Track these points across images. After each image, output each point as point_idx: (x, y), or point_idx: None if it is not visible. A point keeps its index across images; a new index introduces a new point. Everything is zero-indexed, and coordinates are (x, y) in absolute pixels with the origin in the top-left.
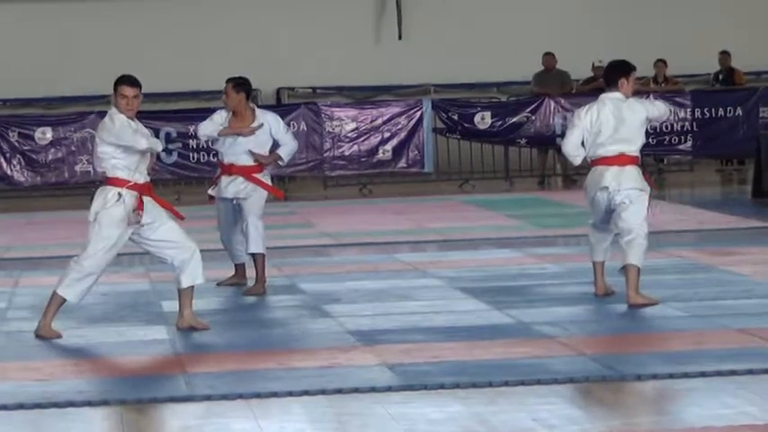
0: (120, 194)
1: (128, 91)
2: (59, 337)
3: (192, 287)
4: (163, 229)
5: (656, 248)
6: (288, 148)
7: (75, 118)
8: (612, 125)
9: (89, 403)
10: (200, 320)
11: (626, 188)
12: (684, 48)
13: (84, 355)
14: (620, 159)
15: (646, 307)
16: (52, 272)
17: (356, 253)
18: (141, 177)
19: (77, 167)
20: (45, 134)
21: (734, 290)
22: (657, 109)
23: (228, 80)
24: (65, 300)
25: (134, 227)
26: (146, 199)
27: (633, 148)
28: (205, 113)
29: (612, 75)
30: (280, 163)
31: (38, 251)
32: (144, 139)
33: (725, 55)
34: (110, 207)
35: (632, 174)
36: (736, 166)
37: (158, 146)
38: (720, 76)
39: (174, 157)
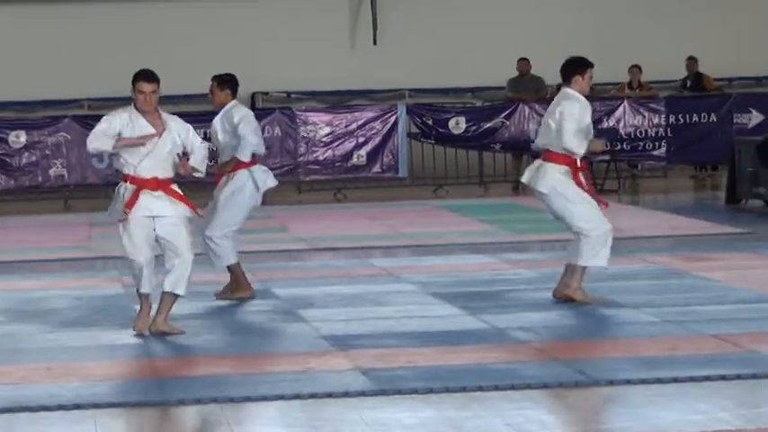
0: (119, 189)
1: (145, 87)
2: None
3: (174, 296)
4: (169, 229)
5: (629, 254)
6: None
7: (50, 122)
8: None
9: (62, 407)
10: (173, 326)
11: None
12: (658, 53)
13: (56, 358)
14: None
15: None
16: (26, 276)
17: (330, 258)
18: (147, 173)
19: (51, 171)
20: (19, 138)
21: (707, 296)
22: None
23: (213, 77)
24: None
25: (122, 219)
26: (148, 194)
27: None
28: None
29: (567, 71)
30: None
31: (11, 255)
32: (92, 142)
33: (692, 61)
34: (117, 203)
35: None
36: (709, 172)
37: (102, 147)
38: (689, 83)
39: None
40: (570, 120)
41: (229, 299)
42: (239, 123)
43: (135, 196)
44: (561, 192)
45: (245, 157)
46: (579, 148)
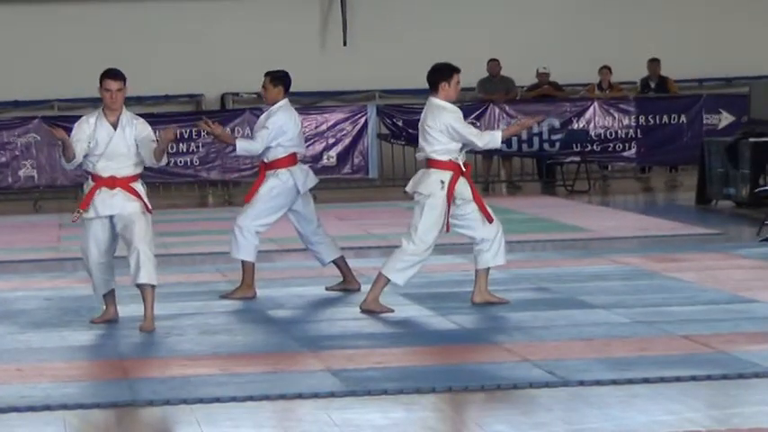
0: (84, 187)
1: (111, 85)
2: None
3: (147, 286)
4: (125, 223)
5: (600, 254)
6: None
7: (20, 123)
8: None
9: (32, 408)
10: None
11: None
12: (627, 54)
13: (26, 359)
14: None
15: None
16: None
17: (300, 258)
18: (104, 172)
19: (21, 172)
20: None
21: (678, 296)
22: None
23: (266, 73)
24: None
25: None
26: (105, 192)
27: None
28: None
29: (433, 78)
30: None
31: None
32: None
33: (654, 62)
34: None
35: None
36: (677, 174)
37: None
38: (652, 84)
39: None
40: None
41: (233, 298)
42: (266, 121)
43: (90, 194)
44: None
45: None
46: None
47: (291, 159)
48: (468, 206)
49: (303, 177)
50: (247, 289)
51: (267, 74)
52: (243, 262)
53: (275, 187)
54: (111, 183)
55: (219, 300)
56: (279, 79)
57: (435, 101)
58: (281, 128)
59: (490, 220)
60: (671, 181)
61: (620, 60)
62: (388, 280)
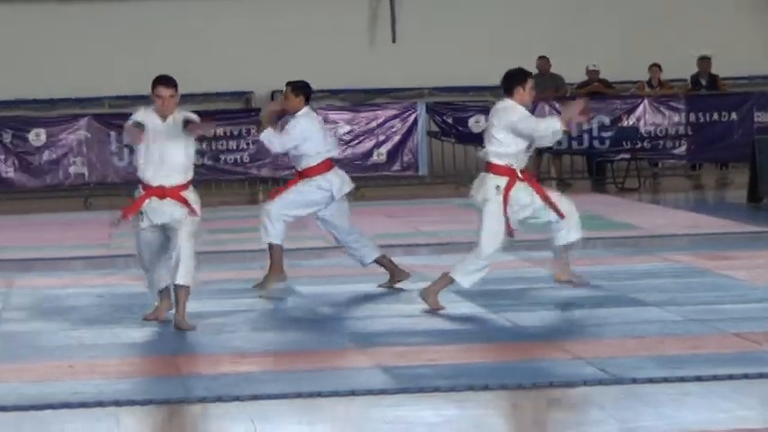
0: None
1: (163, 91)
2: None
3: (182, 288)
4: (176, 228)
5: (651, 252)
6: None
7: (70, 120)
8: None
9: (84, 405)
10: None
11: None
12: (677, 52)
13: (78, 356)
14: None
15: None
16: (46, 273)
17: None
18: (155, 181)
19: (71, 169)
20: (39, 136)
21: (730, 294)
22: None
23: (288, 83)
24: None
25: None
26: (154, 201)
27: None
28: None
29: (508, 83)
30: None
31: (32, 252)
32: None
33: (705, 60)
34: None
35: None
36: (728, 170)
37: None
38: (703, 82)
39: None
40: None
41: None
42: (289, 128)
43: (140, 203)
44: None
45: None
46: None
47: (325, 166)
48: (527, 209)
49: (339, 183)
50: (278, 272)
51: (288, 83)
52: (270, 246)
53: (309, 187)
54: (161, 192)
55: (258, 294)
56: (300, 89)
57: (506, 101)
58: (302, 134)
59: (561, 216)
60: (721, 179)
61: (669, 58)
62: (454, 280)
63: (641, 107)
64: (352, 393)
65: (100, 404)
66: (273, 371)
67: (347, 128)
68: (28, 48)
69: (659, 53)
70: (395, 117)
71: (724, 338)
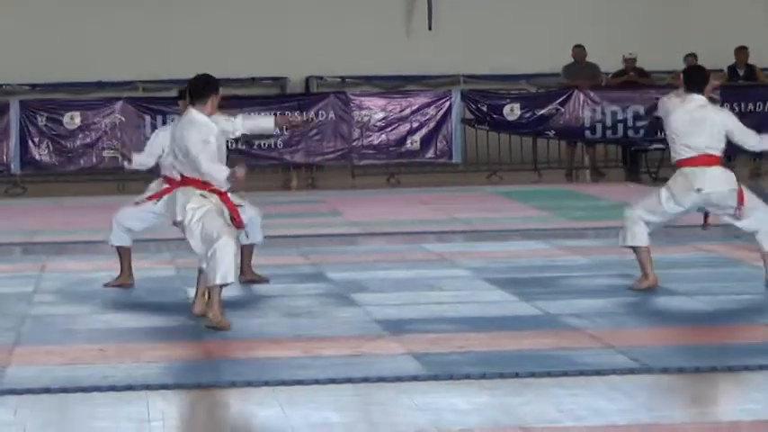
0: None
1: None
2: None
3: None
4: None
5: (684, 242)
6: None
7: (104, 103)
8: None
9: (114, 388)
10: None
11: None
12: (712, 41)
13: (109, 340)
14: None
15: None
16: (78, 257)
17: (383, 242)
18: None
19: (105, 153)
20: (74, 119)
21: (762, 285)
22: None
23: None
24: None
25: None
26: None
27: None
28: (234, 100)
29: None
30: None
31: (65, 236)
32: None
33: (743, 50)
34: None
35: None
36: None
37: None
38: (741, 72)
39: None
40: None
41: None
42: None
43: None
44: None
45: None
46: None
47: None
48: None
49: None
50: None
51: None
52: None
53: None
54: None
55: (303, 283)
56: (182, 92)
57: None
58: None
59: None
60: (755, 169)
61: (705, 48)
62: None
63: None
64: (382, 380)
65: (130, 388)
66: (303, 356)
67: (381, 114)
68: (61, 32)
69: (696, 42)
70: (429, 104)
71: (755, 329)
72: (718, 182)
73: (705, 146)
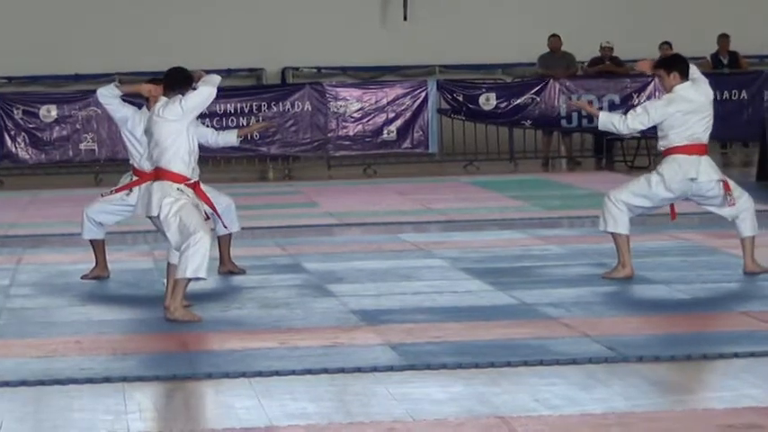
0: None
1: None
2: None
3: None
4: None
5: (660, 230)
6: None
7: (80, 96)
8: None
9: (91, 380)
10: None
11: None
12: (688, 30)
13: (86, 332)
14: None
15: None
16: (55, 250)
17: (360, 233)
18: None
19: (82, 146)
20: (50, 112)
21: (738, 273)
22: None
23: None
24: None
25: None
26: (144, 187)
27: None
28: None
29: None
30: None
31: (41, 229)
32: None
33: (725, 38)
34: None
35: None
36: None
37: None
38: (724, 60)
39: None
40: None
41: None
42: None
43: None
44: None
45: None
46: None
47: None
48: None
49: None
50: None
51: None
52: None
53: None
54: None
55: (279, 274)
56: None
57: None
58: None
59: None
60: (723, 158)
61: (680, 37)
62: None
63: (652, 86)
64: (359, 370)
65: (107, 380)
66: (280, 347)
67: (357, 105)
68: (37, 25)
69: (670, 31)
70: (405, 94)
71: (731, 317)
72: (710, 171)
73: (697, 134)
